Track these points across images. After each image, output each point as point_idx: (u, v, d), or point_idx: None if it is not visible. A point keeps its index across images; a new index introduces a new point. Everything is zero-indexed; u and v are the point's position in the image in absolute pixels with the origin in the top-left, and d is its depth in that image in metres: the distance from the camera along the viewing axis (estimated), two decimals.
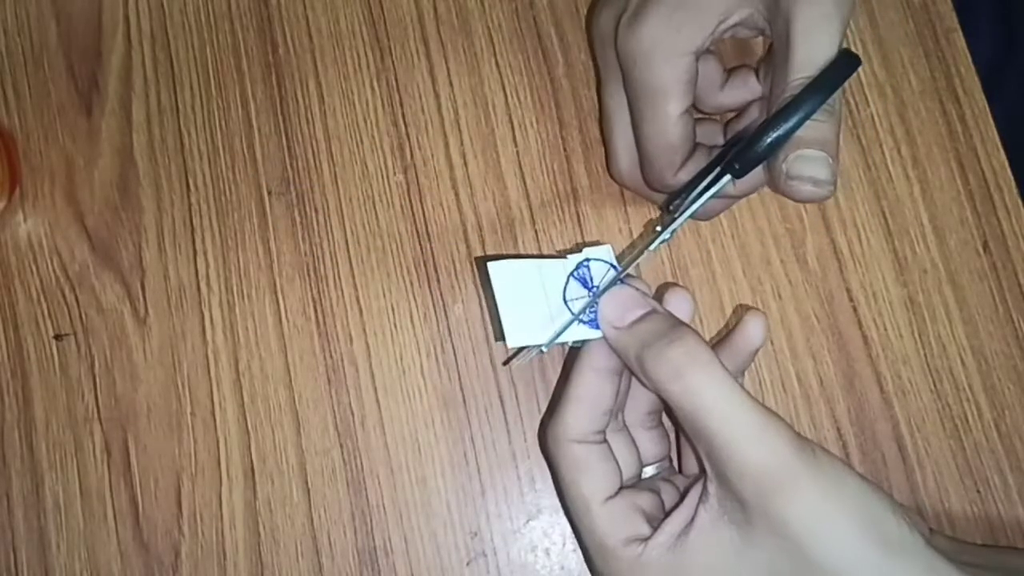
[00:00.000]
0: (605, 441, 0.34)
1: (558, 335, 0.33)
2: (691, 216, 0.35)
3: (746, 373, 0.38)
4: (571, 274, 0.34)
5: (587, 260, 0.34)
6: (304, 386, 0.40)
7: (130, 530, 0.39)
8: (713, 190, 0.34)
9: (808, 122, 0.32)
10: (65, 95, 0.43)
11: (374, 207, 0.42)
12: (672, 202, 0.36)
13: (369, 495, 0.39)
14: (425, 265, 0.41)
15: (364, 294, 0.41)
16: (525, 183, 0.42)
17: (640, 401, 0.36)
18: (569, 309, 0.34)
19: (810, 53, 0.33)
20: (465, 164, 0.42)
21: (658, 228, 0.34)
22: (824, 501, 0.29)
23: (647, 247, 0.34)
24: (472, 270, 0.41)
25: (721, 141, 0.40)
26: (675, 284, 0.41)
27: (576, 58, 0.43)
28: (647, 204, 0.42)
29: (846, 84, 0.33)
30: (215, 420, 0.40)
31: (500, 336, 0.34)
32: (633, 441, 0.36)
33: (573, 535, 0.39)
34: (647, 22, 0.35)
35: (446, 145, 0.42)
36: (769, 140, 0.32)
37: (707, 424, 0.30)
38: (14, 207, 0.42)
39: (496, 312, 0.33)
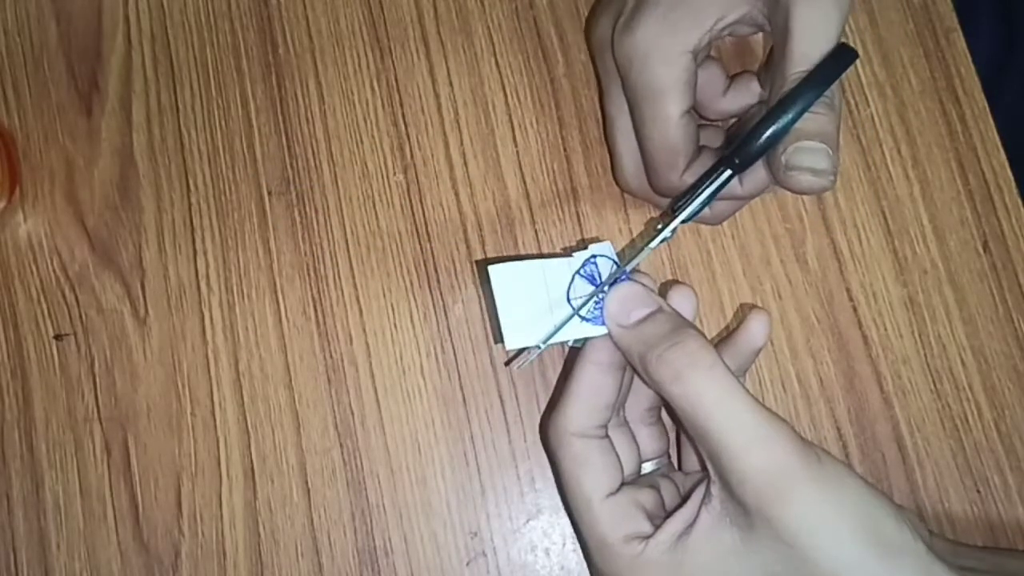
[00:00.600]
0: (607, 436, 0.34)
1: (556, 331, 0.33)
2: (697, 214, 0.34)
3: (746, 373, 0.38)
4: (577, 272, 0.34)
5: (594, 257, 0.34)
6: (304, 386, 0.40)
7: (130, 530, 0.39)
8: (714, 185, 0.34)
9: (807, 115, 0.33)
10: (65, 95, 0.43)
11: (374, 207, 0.42)
12: (676, 204, 0.36)
13: (369, 495, 0.39)
14: (425, 265, 0.41)
15: (364, 294, 0.41)
16: (525, 183, 0.42)
17: (640, 397, 0.36)
18: (572, 307, 0.34)
19: (808, 48, 0.33)
20: (465, 164, 0.42)
21: (659, 226, 0.34)
22: (825, 505, 0.29)
23: (648, 244, 0.34)
24: (472, 270, 0.41)
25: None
26: (679, 282, 0.41)
27: (576, 58, 0.43)
28: (647, 204, 0.42)
29: (844, 78, 0.33)
30: (215, 420, 0.40)
31: (498, 339, 0.33)
32: (633, 437, 0.36)
33: (573, 535, 0.39)
34: (643, 23, 0.35)
35: (446, 145, 0.42)
36: (768, 133, 0.33)
37: (709, 428, 0.30)
38: (14, 207, 0.42)
39: (495, 314, 0.33)
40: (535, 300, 0.34)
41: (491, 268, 0.33)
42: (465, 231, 0.42)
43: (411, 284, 0.41)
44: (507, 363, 0.40)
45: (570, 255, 0.34)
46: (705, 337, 0.32)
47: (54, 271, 0.41)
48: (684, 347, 0.31)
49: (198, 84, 0.43)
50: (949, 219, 0.42)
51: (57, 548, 0.39)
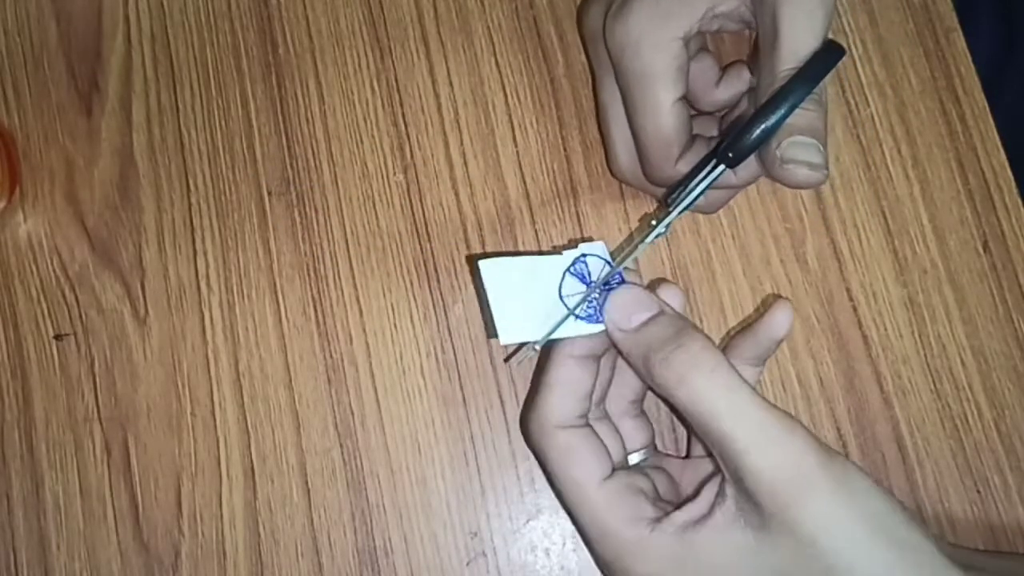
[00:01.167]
0: (589, 425, 0.34)
1: (552, 331, 0.33)
2: (691, 208, 0.35)
3: (765, 363, 0.38)
4: (567, 270, 0.34)
5: (584, 256, 0.34)
6: (304, 386, 0.40)
7: (130, 530, 0.39)
8: (707, 181, 0.34)
9: (797, 111, 0.33)
10: (65, 95, 0.43)
11: (374, 207, 0.42)
12: (670, 195, 0.36)
13: (369, 495, 0.39)
14: (425, 265, 0.41)
15: (364, 294, 0.41)
16: (525, 183, 0.42)
17: (623, 390, 0.36)
18: (565, 305, 0.34)
19: (797, 46, 0.33)
20: (465, 164, 0.42)
21: (653, 222, 0.34)
22: (841, 505, 0.29)
23: (643, 241, 0.34)
24: (472, 269, 0.41)
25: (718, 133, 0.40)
26: (666, 280, 0.41)
27: (576, 58, 0.43)
28: (647, 203, 0.42)
29: (838, 76, 0.33)
30: (215, 420, 0.40)
31: (493, 333, 0.33)
32: (616, 430, 0.36)
33: (574, 534, 0.39)
34: (635, 11, 0.35)
35: (446, 145, 0.42)
36: (760, 129, 0.33)
37: (720, 430, 0.30)
38: (14, 207, 0.42)
39: (488, 309, 0.33)
40: (527, 295, 0.34)
41: (481, 263, 0.33)
42: (465, 231, 0.42)
43: (411, 284, 0.41)
44: (507, 359, 0.40)
45: (560, 252, 0.34)
46: (709, 338, 0.32)
47: (54, 271, 0.41)
48: (688, 349, 0.31)
49: (198, 84, 0.43)
50: (949, 219, 0.42)
51: (57, 548, 0.39)
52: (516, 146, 0.43)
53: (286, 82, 0.43)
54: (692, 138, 0.37)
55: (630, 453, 0.36)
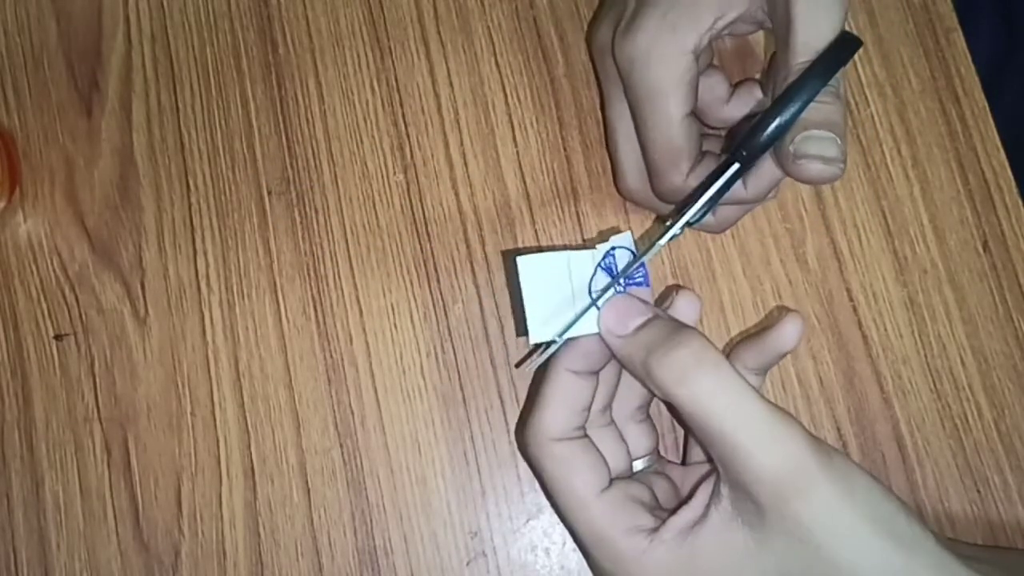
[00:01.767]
0: (586, 436, 0.34)
1: (572, 324, 0.33)
2: (707, 210, 0.34)
3: (766, 374, 0.38)
4: (599, 264, 0.34)
5: (613, 249, 0.34)
6: (304, 386, 0.40)
7: (130, 530, 0.39)
8: (722, 180, 0.34)
9: (813, 105, 0.32)
10: (65, 95, 0.43)
11: (374, 207, 0.42)
12: (684, 203, 0.35)
13: (369, 495, 0.39)
14: (425, 265, 0.41)
15: (364, 294, 0.41)
16: (525, 183, 0.42)
17: (629, 396, 0.36)
18: (593, 301, 0.33)
19: (810, 37, 0.33)
20: (465, 164, 0.42)
21: (668, 223, 0.34)
22: (842, 502, 0.29)
23: (658, 240, 0.34)
24: (472, 269, 0.41)
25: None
26: (682, 286, 0.41)
27: (576, 58, 0.43)
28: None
29: (847, 68, 0.33)
30: (215, 420, 0.40)
31: (523, 331, 0.33)
32: (621, 436, 0.36)
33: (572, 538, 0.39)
34: (643, 25, 0.35)
35: (446, 145, 0.42)
36: (774, 124, 0.32)
37: (719, 429, 0.30)
38: (14, 207, 0.42)
39: (521, 307, 0.33)
40: (559, 293, 0.33)
41: (519, 259, 0.33)
42: (465, 231, 0.42)
43: (411, 284, 0.41)
44: (517, 364, 0.40)
45: (593, 247, 0.34)
46: (707, 338, 0.31)
47: (54, 271, 0.41)
48: (687, 347, 0.31)
49: (198, 84, 0.43)
50: (949, 219, 0.42)
51: (57, 548, 0.39)
52: (516, 146, 0.43)
53: (286, 82, 0.43)
54: (702, 154, 0.37)
55: (635, 459, 0.36)
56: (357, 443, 0.40)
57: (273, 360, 0.40)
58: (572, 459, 0.33)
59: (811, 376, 0.40)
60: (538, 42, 0.44)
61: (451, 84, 0.43)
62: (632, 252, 0.34)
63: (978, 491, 0.39)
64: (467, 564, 0.39)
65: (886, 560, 0.29)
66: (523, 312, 0.33)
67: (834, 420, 0.40)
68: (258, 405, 0.40)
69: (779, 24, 0.34)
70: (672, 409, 0.39)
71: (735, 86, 0.39)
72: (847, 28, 0.33)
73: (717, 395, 0.30)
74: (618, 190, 0.41)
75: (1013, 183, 0.42)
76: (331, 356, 0.40)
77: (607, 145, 0.41)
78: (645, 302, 0.33)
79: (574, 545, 0.39)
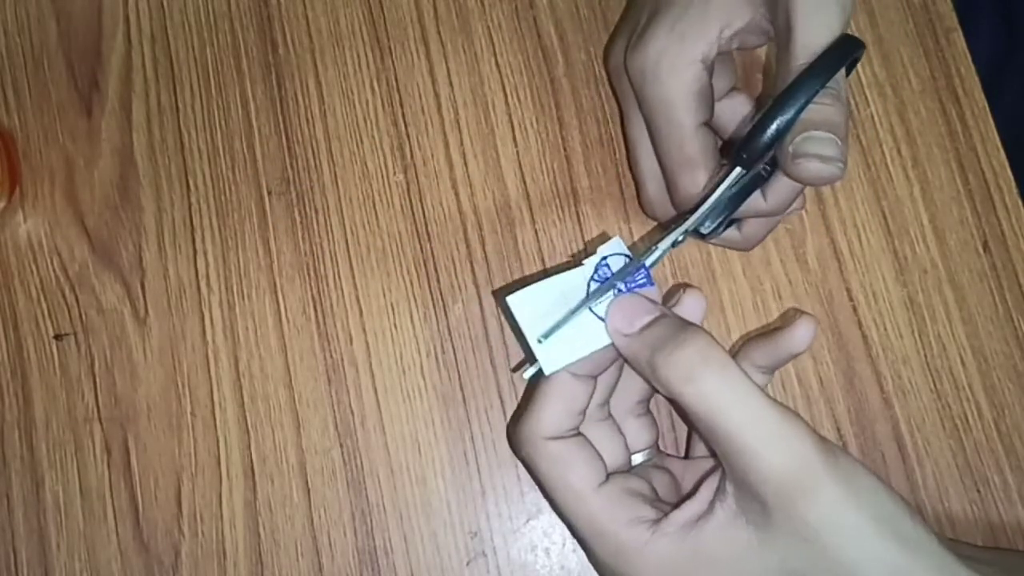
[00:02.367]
0: (580, 434, 0.34)
1: (560, 323, 0.32)
2: (709, 214, 0.34)
3: (773, 374, 0.38)
4: (591, 279, 0.33)
5: (604, 259, 0.34)
6: (304, 386, 0.40)
7: (130, 530, 0.39)
8: (725, 185, 0.34)
9: (813, 106, 0.32)
10: (65, 95, 0.43)
11: (374, 207, 0.42)
12: (702, 225, 0.35)
13: (369, 495, 0.39)
14: (425, 265, 0.41)
15: (364, 294, 0.41)
16: (525, 183, 0.42)
17: (630, 391, 0.36)
18: (594, 313, 0.33)
19: (809, 39, 0.33)
20: (465, 164, 0.42)
21: (672, 227, 0.34)
22: (847, 502, 0.29)
23: (658, 243, 0.34)
24: (472, 269, 0.41)
25: None
26: (690, 284, 0.41)
27: (576, 58, 0.43)
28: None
29: (853, 71, 0.32)
30: (215, 420, 0.40)
31: (532, 359, 0.33)
32: (619, 430, 0.36)
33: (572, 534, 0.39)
34: (652, 37, 0.36)
35: (446, 145, 0.42)
36: (773, 126, 0.32)
37: (725, 428, 0.30)
38: (14, 207, 0.42)
39: (525, 343, 0.33)
40: (559, 318, 0.33)
41: (509, 299, 0.33)
42: (465, 231, 0.42)
43: (411, 284, 0.41)
44: (514, 369, 0.40)
45: (581, 263, 0.34)
46: (713, 336, 0.31)
47: (54, 271, 0.41)
48: (693, 345, 0.31)
49: (198, 84, 0.43)
50: (949, 219, 0.42)
51: (57, 548, 0.39)
52: (516, 146, 0.43)
53: (286, 82, 0.43)
54: (721, 166, 0.37)
55: (634, 453, 0.36)
56: (357, 443, 0.40)
57: (273, 360, 0.40)
58: (567, 456, 0.33)
59: (811, 376, 0.40)
60: (538, 42, 0.44)
61: (451, 84, 0.43)
62: (627, 256, 0.34)
63: (978, 491, 0.39)
64: (467, 564, 0.39)
65: (890, 561, 0.29)
66: (528, 348, 0.33)
67: (834, 420, 0.40)
68: (258, 405, 0.40)
69: (780, 33, 0.34)
70: (677, 407, 0.39)
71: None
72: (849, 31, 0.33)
73: (723, 394, 0.30)
74: (642, 208, 0.41)
75: (1013, 183, 0.42)
76: (331, 356, 0.40)
77: (629, 163, 0.41)
78: (653, 301, 0.33)
79: (574, 545, 0.39)
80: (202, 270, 0.41)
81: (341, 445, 0.40)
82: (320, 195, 0.42)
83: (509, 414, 0.40)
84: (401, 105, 0.43)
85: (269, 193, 0.42)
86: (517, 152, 0.42)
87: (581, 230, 0.42)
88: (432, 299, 0.41)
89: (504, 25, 0.44)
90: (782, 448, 0.29)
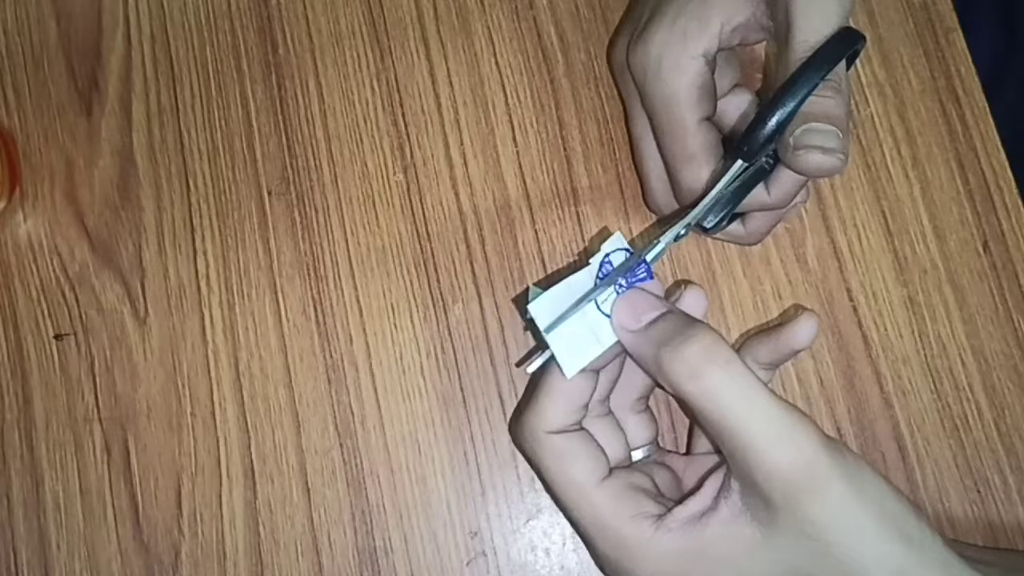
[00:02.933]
0: (583, 428, 0.34)
1: (565, 323, 0.33)
2: (711, 209, 0.34)
3: (776, 370, 0.38)
4: (597, 276, 0.34)
5: (607, 256, 0.34)
6: (304, 386, 0.40)
7: (130, 530, 0.39)
8: (726, 178, 0.34)
9: (813, 98, 0.32)
10: (65, 95, 0.43)
11: (374, 207, 0.42)
12: (705, 219, 0.35)
13: (369, 495, 0.39)
14: (425, 265, 0.41)
15: (364, 294, 0.41)
16: (525, 183, 0.42)
17: (630, 387, 0.36)
18: (600, 311, 0.33)
19: (807, 34, 0.33)
20: (465, 164, 0.42)
21: (674, 221, 0.34)
22: (852, 500, 0.29)
23: (660, 238, 0.34)
24: (472, 269, 0.41)
25: None
26: (691, 281, 0.41)
27: (576, 58, 0.43)
28: (648, 204, 0.42)
29: (854, 65, 0.32)
30: (215, 420, 0.40)
31: (556, 366, 0.33)
32: (619, 426, 0.36)
33: (574, 534, 0.39)
34: (653, 34, 0.36)
35: (446, 145, 0.42)
36: (773, 119, 0.32)
37: (730, 425, 0.30)
38: (14, 207, 0.42)
39: (546, 347, 0.33)
40: (573, 320, 0.33)
41: (530, 306, 0.33)
42: (465, 231, 0.42)
43: (411, 284, 0.41)
44: (518, 363, 0.40)
45: (587, 262, 0.34)
46: (719, 333, 0.31)
47: (54, 271, 0.41)
48: (700, 341, 0.30)
49: (198, 84, 0.43)
50: (949, 219, 0.42)
51: (57, 548, 0.39)
52: (516, 146, 0.43)
53: (286, 82, 0.43)
54: (723, 161, 0.37)
55: (634, 449, 0.36)
56: (357, 443, 0.40)
57: (273, 360, 0.40)
58: (569, 450, 0.33)
59: (811, 376, 0.40)
60: (538, 42, 0.44)
61: (451, 84, 0.43)
62: (628, 251, 0.34)
63: (978, 491, 0.39)
64: (467, 564, 0.39)
65: (895, 560, 0.29)
66: (552, 354, 0.33)
67: (834, 420, 0.40)
68: (258, 405, 0.40)
69: (780, 29, 0.34)
70: (682, 404, 0.39)
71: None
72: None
73: (729, 391, 0.30)
74: (646, 203, 0.41)
75: (1013, 183, 0.42)
76: (331, 356, 0.40)
77: (633, 159, 0.41)
78: (658, 297, 0.33)
79: (574, 545, 0.39)
80: (202, 270, 0.41)
81: (341, 445, 0.40)
82: (320, 195, 0.42)
83: (509, 414, 0.40)
84: (401, 105, 0.43)
85: (269, 193, 0.42)
86: (517, 152, 0.42)
87: (581, 230, 0.42)
88: (432, 299, 0.41)
89: (504, 25, 0.44)
90: (788, 445, 0.29)
